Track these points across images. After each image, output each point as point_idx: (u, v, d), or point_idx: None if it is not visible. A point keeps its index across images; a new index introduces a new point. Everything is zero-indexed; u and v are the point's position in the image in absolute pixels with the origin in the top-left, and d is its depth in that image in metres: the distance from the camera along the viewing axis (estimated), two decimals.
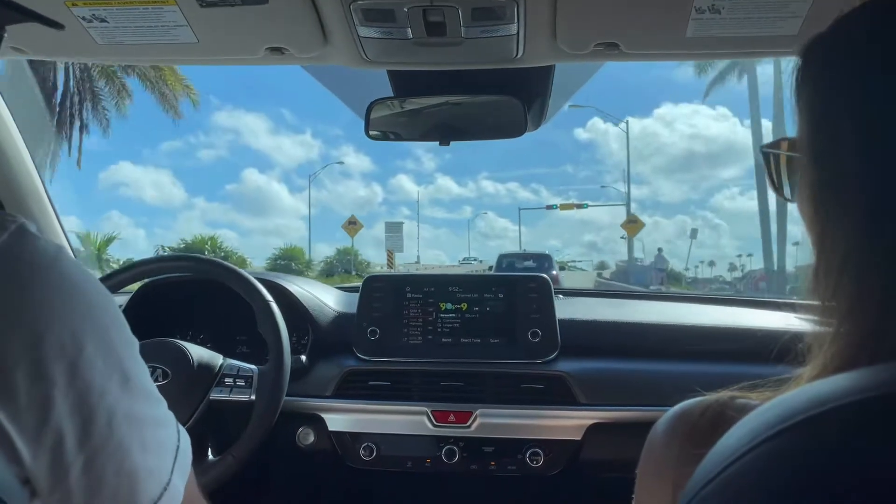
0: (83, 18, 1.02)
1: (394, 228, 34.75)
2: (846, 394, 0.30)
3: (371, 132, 1.48)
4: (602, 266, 47.48)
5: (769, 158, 0.58)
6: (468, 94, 1.41)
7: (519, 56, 1.16)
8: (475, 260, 50.46)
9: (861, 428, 0.29)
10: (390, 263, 30.08)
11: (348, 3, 0.98)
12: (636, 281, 25.75)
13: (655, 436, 0.61)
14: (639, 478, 0.63)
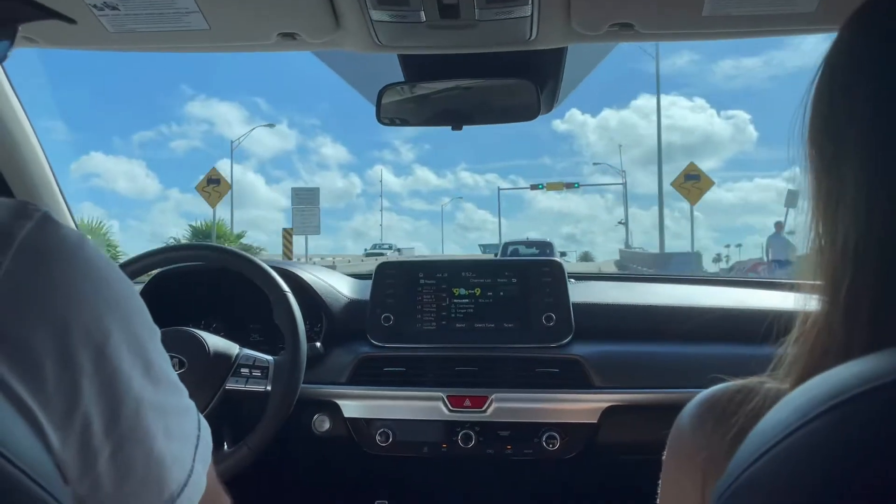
0: (95, 7, 1.01)
1: (305, 198, 21.94)
2: (889, 372, 0.30)
3: (382, 118, 1.47)
4: (586, 257, 46.30)
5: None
6: (480, 77, 1.40)
7: (532, 38, 1.14)
8: (388, 248, 45.17)
9: None
10: (287, 251, 20.52)
11: None
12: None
13: (682, 423, 0.60)
14: (665, 466, 0.63)
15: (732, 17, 1.05)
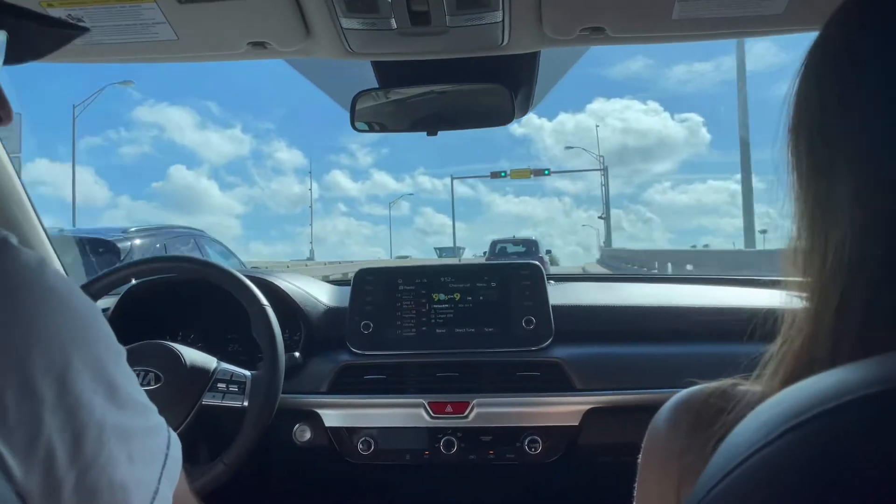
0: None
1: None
2: (863, 385, 0.30)
3: (357, 125, 1.46)
4: (552, 261, 45.23)
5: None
6: (454, 83, 1.40)
7: (504, 43, 1.15)
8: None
9: (882, 420, 0.28)
10: None
11: None
12: None
13: (657, 426, 0.60)
14: (641, 469, 0.63)
15: (702, 19, 1.06)
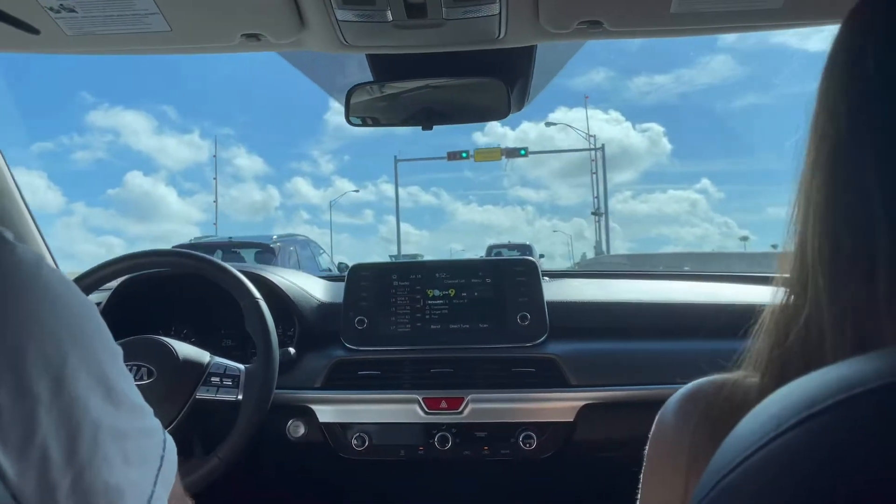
0: (51, 10, 0.98)
1: None
2: (880, 375, 0.29)
3: (351, 118, 1.45)
4: None
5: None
6: (449, 76, 1.39)
7: (501, 36, 1.14)
8: None
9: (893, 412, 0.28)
10: None
11: None
12: None
13: (666, 417, 0.60)
14: (648, 459, 0.62)
15: (700, 13, 1.05)
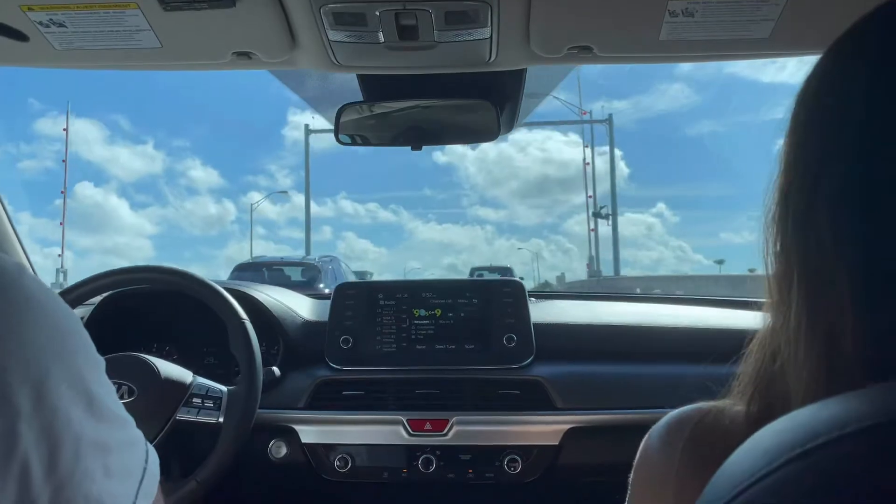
0: (41, 24, 0.97)
1: None
2: (866, 416, 0.29)
3: (341, 137, 1.45)
4: None
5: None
6: (440, 97, 1.39)
7: (492, 60, 1.14)
8: None
9: (885, 450, 0.28)
10: None
11: (318, 6, 0.96)
12: None
13: (651, 445, 0.59)
14: (633, 487, 0.62)
15: (689, 41, 1.06)
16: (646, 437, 0.60)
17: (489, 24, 1.01)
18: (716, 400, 0.57)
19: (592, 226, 28.89)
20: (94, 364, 0.56)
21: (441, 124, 1.47)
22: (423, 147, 1.44)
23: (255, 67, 1.17)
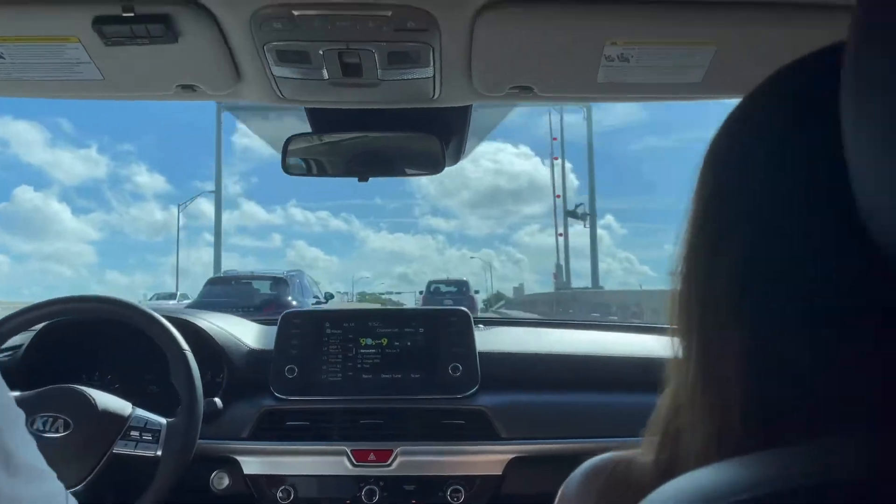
0: None
1: None
2: (761, 484, 0.31)
3: (289, 168, 1.45)
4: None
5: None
6: (386, 131, 1.41)
7: (436, 97, 1.16)
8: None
9: None
10: None
11: (261, 43, 0.97)
12: None
13: (569, 494, 0.61)
14: None
15: (625, 84, 1.10)
16: (563, 485, 0.62)
17: (431, 63, 1.03)
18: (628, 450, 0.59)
19: (561, 229, 26.56)
20: (11, 420, 0.56)
21: (388, 157, 1.49)
22: (369, 178, 1.45)
23: (201, 98, 1.17)
